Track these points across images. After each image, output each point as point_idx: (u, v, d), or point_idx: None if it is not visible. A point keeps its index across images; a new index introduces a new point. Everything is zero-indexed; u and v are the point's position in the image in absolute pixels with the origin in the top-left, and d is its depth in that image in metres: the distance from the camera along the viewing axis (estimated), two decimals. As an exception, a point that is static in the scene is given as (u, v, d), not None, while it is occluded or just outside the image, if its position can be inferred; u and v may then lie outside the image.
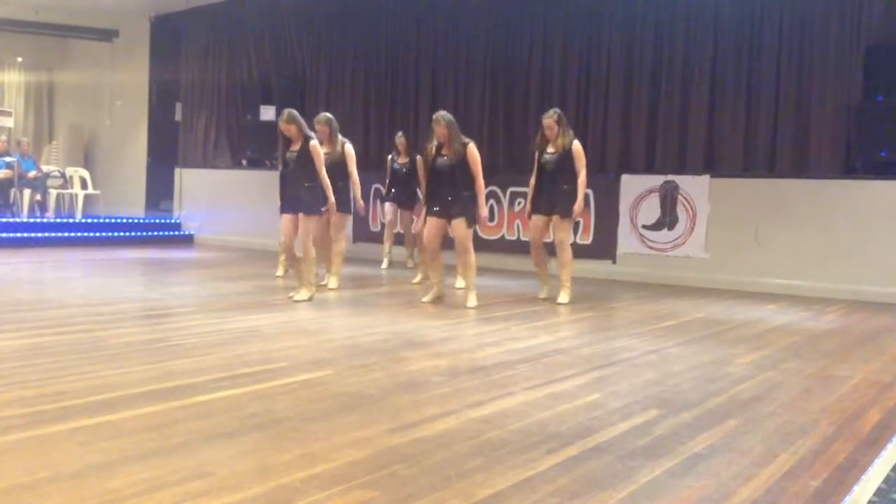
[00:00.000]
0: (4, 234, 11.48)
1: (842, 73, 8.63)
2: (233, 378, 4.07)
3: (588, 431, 3.33)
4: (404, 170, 9.93)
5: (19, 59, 16.90)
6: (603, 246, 9.96)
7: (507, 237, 10.63)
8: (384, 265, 10.17)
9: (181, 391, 3.77)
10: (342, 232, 7.97)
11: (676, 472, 2.88)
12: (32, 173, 13.18)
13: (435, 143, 6.99)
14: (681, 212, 9.49)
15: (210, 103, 14.21)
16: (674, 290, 8.76)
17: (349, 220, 8.36)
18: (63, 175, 14.19)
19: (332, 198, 7.02)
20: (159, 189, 15.02)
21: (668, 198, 9.56)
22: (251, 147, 13.32)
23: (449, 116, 6.93)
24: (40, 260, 10.02)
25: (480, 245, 10.67)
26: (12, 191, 12.95)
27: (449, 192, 6.87)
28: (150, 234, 13.53)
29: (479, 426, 3.35)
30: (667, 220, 9.57)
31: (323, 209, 7.02)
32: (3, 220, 12.05)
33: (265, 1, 13.39)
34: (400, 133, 10.25)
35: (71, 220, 13.07)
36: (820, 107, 8.78)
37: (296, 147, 6.95)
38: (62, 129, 16.92)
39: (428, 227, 7.02)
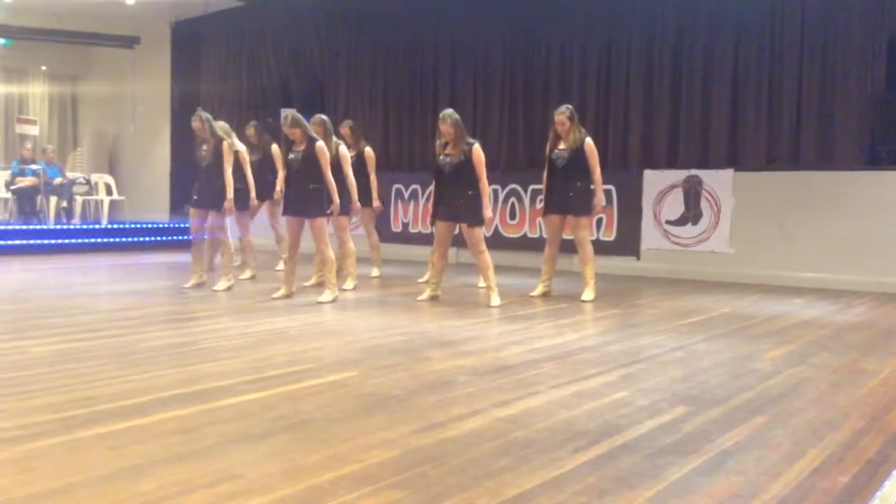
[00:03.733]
0: (32, 241, 11.63)
1: (865, 63, 8.53)
2: (260, 380, 4.09)
3: (615, 429, 3.32)
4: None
5: (43, 68, 17.12)
6: (626, 242, 9.92)
7: (529, 235, 10.61)
8: None
9: (209, 394, 3.80)
10: (346, 233, 7.98)
11: (705, 470, 2.87)
12: (58, 180, 13.34)
13: (440, 142, 6.97)
14: (705, 206, 9.42)
15: (231, 107, 14.31)
16: (699, 286, 8.70)
17: (349, 221, 8.27)
18: (88, 181, 14.36)
19: (337, 199, 7.06)
20: (183, 193, 15.14)
21: (692, 192, 9.50)
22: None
23: (455, 115, 6.89)
24: (67, 266, 10.14)
25: (502, 243, 10.70)
26: (39, 198, 13.12)
27: (454, 192, 6.83)
28: (174, 238, 13.63)
29: (505, 425, 3.35)
30: (691, 214, 9.51)
31: (328, 211, 7.07)
32: (31, 226, 12.21)
33: (284, 5, 13.45)
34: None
35: (97, 226, 13.22)
36: (843, 98, 8.69)
37: (299, 148, 6.98)
38: (86, 136, 17.12)
39: (437, 230, 7.05)
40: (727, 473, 2.83)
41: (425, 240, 10.95)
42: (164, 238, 13.54)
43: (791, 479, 2.78)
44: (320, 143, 6.98)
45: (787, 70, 9.03)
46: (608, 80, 10.34)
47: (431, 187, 7.40)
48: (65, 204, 13.33)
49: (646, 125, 10.06)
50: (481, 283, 7.75)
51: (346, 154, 7.85)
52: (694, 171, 9.53)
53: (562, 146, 7.23)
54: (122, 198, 14.83)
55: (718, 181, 9.33)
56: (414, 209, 11.60)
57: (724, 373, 4.48)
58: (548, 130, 10.76)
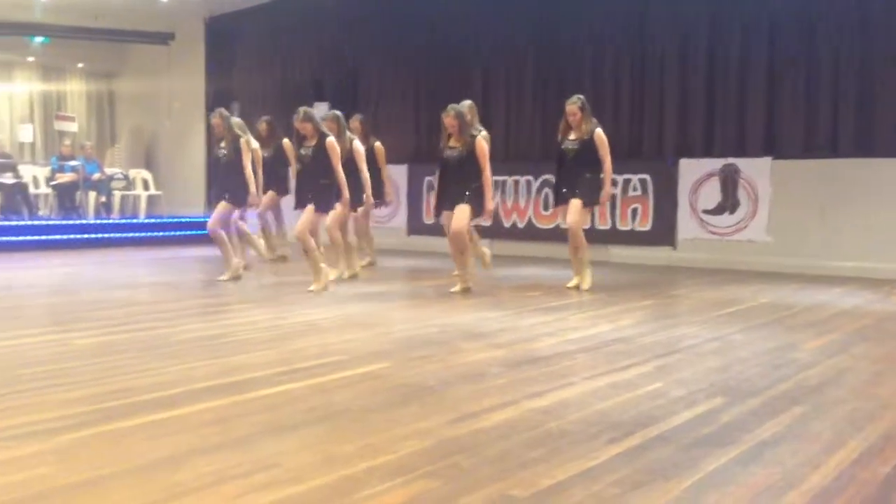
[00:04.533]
0: (72, 236, 11.83)
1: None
2: (293, 372, 4.12)
3: (651, 420, 3.29)
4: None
5: (80, 66, 17.39)
6: (662, 232, 9.83)
7: (563, 226, 10.50)
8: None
9: (243, 385, 3.83)
10: (343, 227, 8.07)
11: (742, 461, 2.83)
12: (96, 176, 13.54)
13: (444, 134, 6.98)
14: (742, 195, 9.30)
15: (265, 102, 14.42)
16: (736, 276, 8.59)
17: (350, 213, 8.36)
18: (126, 177, 14.56)
19: (346, 194, 7.12)
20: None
21: (729, 181, 9.38)
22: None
23: (458, 108, 6.91)
24: (106, 260, 10.30)
25: (537, 234, 10.66)
26: (78, 193, 13.34)
27: (458, 184, 6.84)
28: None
29: (539, 417, 3.34)
30: (728, 203, 9.39)
31: (337, 205, 7.16)
32: (71, 221, 12.42)
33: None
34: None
35: (134, 221, 13.41)
36: (882, 84, 8.51)
37: (311, 143, 7.06)
38: (124, 132, 17.36)
39: (446, 220, 7.04)
40: (765, 464, 2.79)
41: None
42: (200, 232, 13.66)
43: (830, 471, 2.74)
44: (330, 139, 7.02)
45: (824, 55, 8.87)
46: (642, 67, 10.23)
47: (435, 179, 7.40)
48: (103, 199, 13.53)
49: (681, 114, 9.95)
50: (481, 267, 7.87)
51: (360, 149, 7.90)
52: (731, 160, 9.41)
53: (572, 137, 7.19)
54: (160, 192, 15.02)
55: (756, 169, 9.21)
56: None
57: (762, 363, 4.42)
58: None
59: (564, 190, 7.26)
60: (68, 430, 3.09)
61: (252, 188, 7.76)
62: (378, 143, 8.93)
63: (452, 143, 6.91)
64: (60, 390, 3.72)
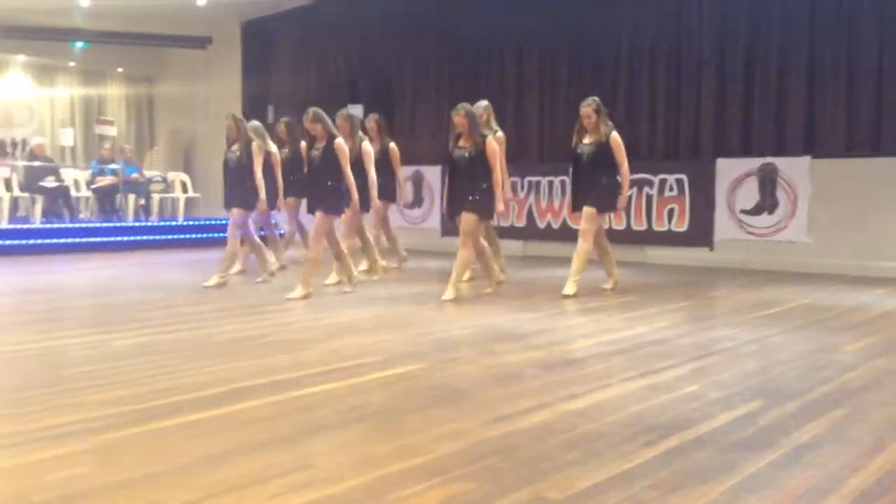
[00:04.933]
0: (112, 238, 12.03)
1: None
2: (330, 372, 4.16)
3: (688, 423, 3.26)
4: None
5: (120, 70, 17.67)
6: (699, 232, 9.73)
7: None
8: None
9: (282, 385, 3.87)
10: (355, 230, 7.97)
11: (781, 464, 2.80)
12: (135, 175, 13.74)
13: (453, 134, 6.81)
14: (781, 195, 9.18)
15: (300, 104, 14.51)
16: (775, 277, 8.48)
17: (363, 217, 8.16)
18: (164, 179, 14.76)
19: (356, 196, 6.97)
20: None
21: (767, 181, 9.26)
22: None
23: (468, 106, 6.75)
24: (146, 262, 10.45)
25: (570, 235, 10.57)
26: (118, 196, 13.55)
27: (469, 185, 6.67)
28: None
29: (574, 419, 3.33)
30: (766, 203, 9.27)
31: (346, 208, 7.03)
32: (111, 224, 12.63)
33: (352, 2, 13.58)
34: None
35: (173, 223, 13.59)
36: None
37: (320, 145, 6.93)
38: (162, 135, 17.61)
39: (462, 226, 6.81)
40: (804, 467, 2.76)
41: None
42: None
43: (871, 474, 2.70)
44: (339, 141, 6.90)
45: (864, 52, 8.72)
46: (679, 65, 10.14)
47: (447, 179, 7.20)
48: (143, 202, 13.72)
49: (718, 112, 9.84)
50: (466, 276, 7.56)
51: (369, 150, 7.78)
52: (769, 159, 9.29)
53: (587, 140, 7.01)
54: (198, 195, 15.20)
55: (795, 169, 9.08)
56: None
57: (802, 365, 4.36)
58: (618, 121, 10.66)
59: (581, 195, 7.06)
60: (109, 430, 3.15)
61: (262, 193, 7.72)
62: (393, 144, 8.80)
63: (462, 142, 6.73)
64: (101, 390, 3.79)
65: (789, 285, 7.81)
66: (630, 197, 8.98)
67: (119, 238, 12.14)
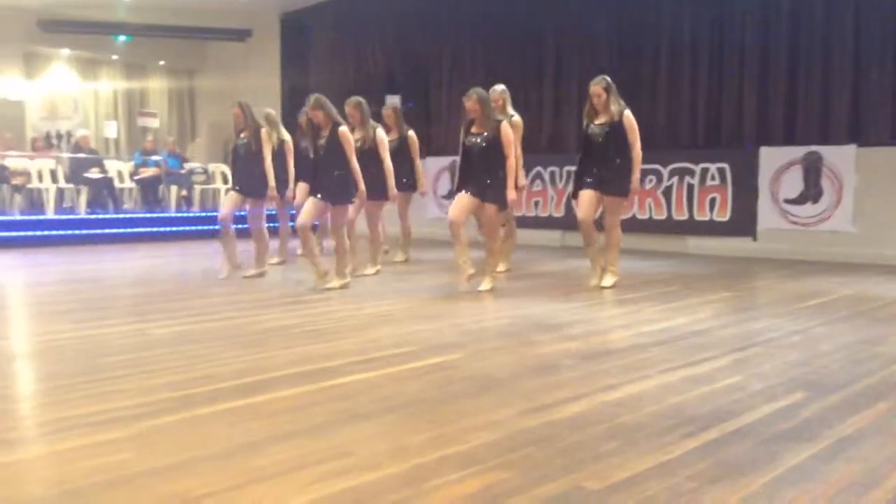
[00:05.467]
0: (155, 229, 12.21)
1: None
2: (367, 361, 4.17)
3: (728, 415, 3.21)
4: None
5: (162, 63, 17.90)
6: (742, 222, 9.58)
7: (639, 216, 10.38)
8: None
9: (319, 374, 3.89)
10: (376, 219, 7.87)
11: (823, 457, 2.74)
12: (179, 168, 13.92)
13: (466, 120, 6.56)
14: (825, 184, 8.99)
15: (338, 94, 14.55)
16: (819, 267, 8.32)
17: (384, 207, 8.01)
18: (206, 171, 14.92)
19: (362, 186, 6.70)
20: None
21: (812, 170, 9.08)
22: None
23: (481, 91, 6.47)
24: (187, 252, 10.59)
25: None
26: (160, 187, 13.74)
27: (483, 172, 6.39)
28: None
29: (612, 409, 3.30)
30: (811, 193, 9.10)
31: (353, 198, 6.78)
32: (153, 215, 12.82)
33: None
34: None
35: (214, 214, 13.72)
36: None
37: (325, 133, 6.67)
38: (203, 127, 17.82)
39: (456, 203, 6.52)
40: (847, 461, 2.70)
41: (528, 223, 10.90)
42: (277, 224, 13.92)
43: (920, 469, 2.63)
44: (343, 128, 6.63)
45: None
46: (721, 51, 9.98)
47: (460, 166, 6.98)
48: (185, 193, 13.90)
49: (761, 100, 9.67)
50: (501, 268, 7.46)
51: (383, 138, 7.58)
52: (814, 148, 9.10)
53: (599, 121, 6.66)
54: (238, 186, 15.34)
55: (840, 157, 8.89)
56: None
57: (846, 357, 4.27)
58: (658, 108, 10.56)
59: (592, 177, 6.67)
60: (149, 417, 3.19)
61: (271, 181, 7.51)
62: (412, 133, 8.62)
63: (475, 129, 6.46)
64: (141, 378, 3.84)
65: (833, 276, 7.65)
66: (644, 181, 8.82)
67: (161, 228, 12.32)
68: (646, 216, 10.31)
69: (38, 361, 4.36)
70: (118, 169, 13.91)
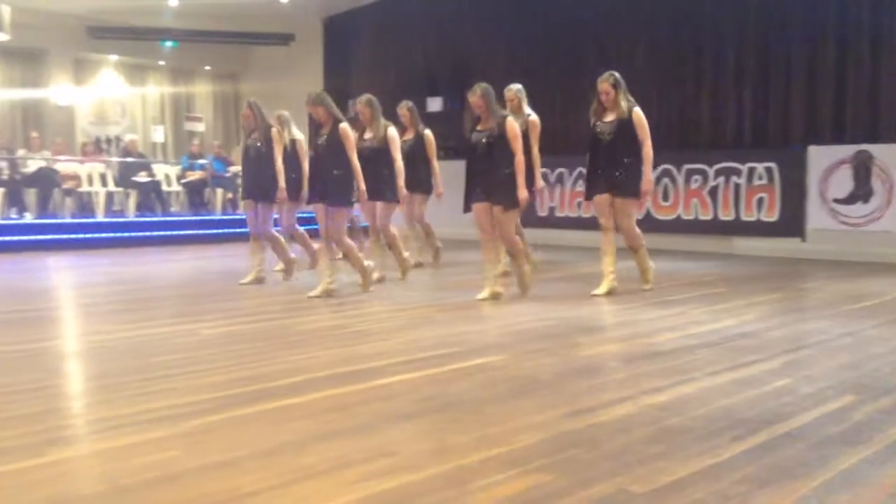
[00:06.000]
0: (201, 231, 12.39)
1: None
2: (410, 362, 4.18)
3: (777, 418, 3.15)
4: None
5: (207, 68, 18.17)
6: (790, 222, 9.40)
7: (684, 217, 10.25)
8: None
9: (362, 374, 3.91)
10: (389, 221, 7.58)
11: (875, 461, 2.67)
12: (225, 171, 14.10)
13: (472, 116, 6.22)
14: (876, 183, 8.78)
15: (380, 97, 14.61)
16: (871, 268, 8.13)
17: (395, 209, 7.68)
18: (250, 174, 15.06)
19: (362, 185, 6.45)
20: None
21: (862, 168, 8.87)
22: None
23: (486, 86, 6.12)
24: (233, 253, 10.71)
25: (655, 226, 10.40)
26: (206, 190, 13.94)
27: (488, 171, 6.08)
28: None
29: (658, 412, 3.26)
30: (861, 192, 8.89)
31: (353, 200, 6.53)
32: (200, 217, 13.01)
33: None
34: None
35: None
36: None
37: (325, 131, 6.41)
38: (248, 130, 18.02)
39: (476, 214, 6.22)
40: (903, 467, 2.63)
41: (572, 224, 10.84)
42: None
43: (978, 475, 2.55)
44: (344, 125, 6.37)
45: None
46: (766, 51, 9.81)
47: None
48: (230, 195, 14.07)
49: (809, 99, 9.49)
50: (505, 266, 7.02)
51: (395, 137, 7.33)
52: (864, 146, 8.90)
53: (607, 118, 6.35)
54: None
55: (891, 156, 8.67)
56: (560, 193, 11.47)
57: (900, 360, 4.16)
58: (701, 106, 10.42)
59: (602, 179, 6.39)
60: (196, 416, 3.23)
61: (282, 182, 7.19)
62: (428, 132, 8.24)
63: (480, 126, 6.15)
64: (189, 378, 3.90)
65: (885, 277, 7.47)
66: (657, 182, 8.57)
67: (207, 231, 12.49)
68: (691, 216, 10.18)
69: (88, 361, 4.45)
70: (165, 172, 14.14)
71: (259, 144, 7.30)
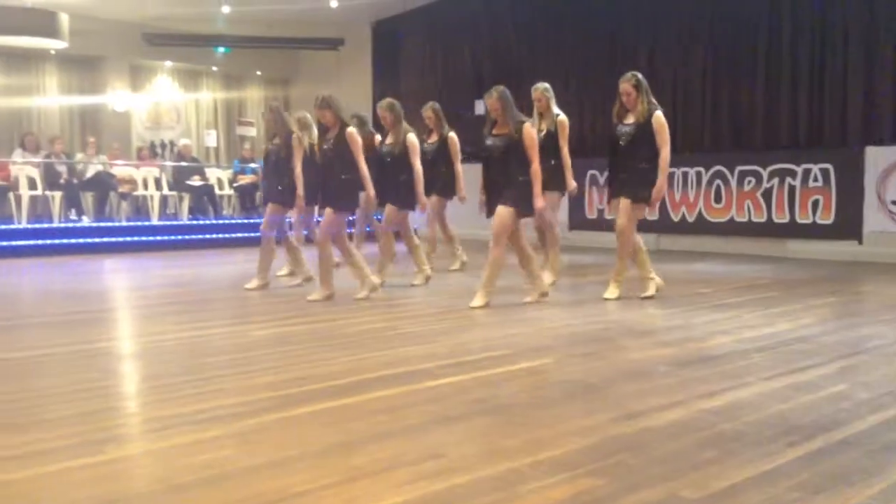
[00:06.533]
0: (252, 234, 12.55)
1: None
2: (458, 364, 4.18)
3: (833, 424, 3.08)
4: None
5: (258, 73, 18.44)
6: (846, 225, 9.19)
7: (737, 219, 10.09)
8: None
9: (411, 376, 3.93)
10: (409, 227, 7.49)
11: (940, 471, 2.60)
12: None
13: (488, 120, 6.03)
14: (936, 184, 8.54)
15: (428, 100, 14.65)
16: (931, 272, 7.91)
17: (409, 217, 7.53)
18: (300, 178, 15.24)
19: (371, 191, 6.36)
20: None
21: (922, 169, 8.64)
22: (468, 143, 13.59)
23: (502, 89, 5.92)
24: (283, 256, 10.83)
25: (706, 228, 10.26)
26: (258, 194, 14.13)
27: (504, 177, 5.88)
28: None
29: (710, 417, 3.21)
30: (920, 194, 8.65)
31: (357, 205, 6.49)
32: (251, 220, 13.18)
33: (479, -4, 13.63)
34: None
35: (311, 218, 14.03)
36: None
37: (332, 135, 6.29)
38: (298, 135, 18.24)
39: (495, 221, 5.98)
40: (967, 476, 2.55)
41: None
42: (369, 229, 14.10)
43: None
44: (351, 129, 6.26)
45: None
46: (822, 49, 9.60)
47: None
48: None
49: (866, 98, 9.26)
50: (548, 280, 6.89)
51: (415, 143, 7.16)
52: (923, 146, 8.66)
53: (627, 120, 6.14)
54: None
55: (954, 156, 8.43)
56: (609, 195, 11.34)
57: (963, 366, 4.04)
58: (757, 105, 10.23)
59: (618, 183, 6.21)
60: (249, 416, 3.28)
61: (300, 189, 7.09)
62: (452, 134, 8.05)
63: (497, 130, 5.94)
64: (242, 378, 3.96)
65: (948, 281, 7.26)
66: (672, 183, 8.28)
67: (259, 234, 12.61)
68: (745, 218, 10.01)
69: (143, 361, 4.55)
70: (218, 176, 14.38)
71: (279, 149, 7.28)
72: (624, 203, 6.16)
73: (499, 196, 5.93)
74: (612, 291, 6.36)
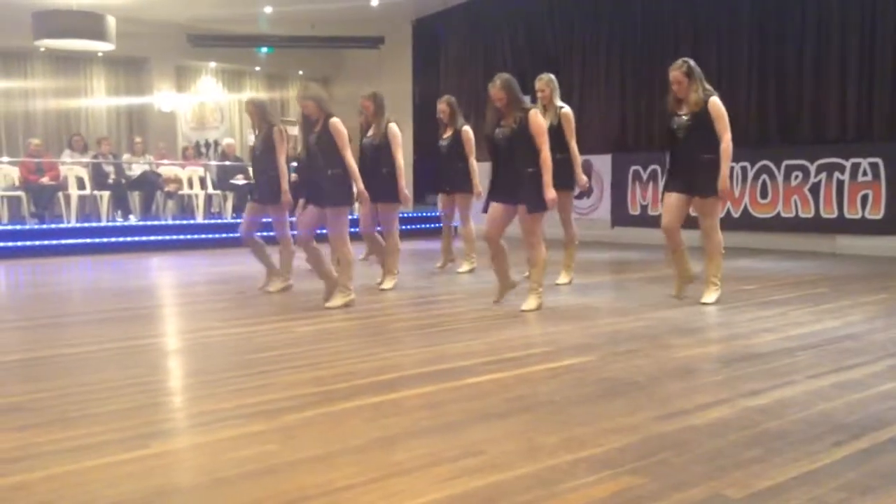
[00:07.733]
0: (294, 232, 12.66)
1: None
2: (499, 361, 4.18)
3: (881, 423, 3.02)
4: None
5: (300, 73, 18.59)
6: (896, 220, 8.99)
7: (783, 215, 9.92)
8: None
9: (452, 373, 3.94)
10: (394, 224, 7.12)
11: None
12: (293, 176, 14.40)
13: (494, 109, 5.70)
14: None
15: (469, 98, 14.71)
16: None
17: (398, 209, 7.21)
18: (342, 176, 15.34)
19: (360, 185, 5.99)
20: (425, 184, 15.76)
21: (976, 163, 8.40)
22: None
23: (507, 77, 5.59)
24: (325, 254, 10.92)
25: (754, 224, 10.10)
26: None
27: (512, 169, 5.57)
28: (418, 227, 14.24)
29: (755, 416, 3.17)
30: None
31: (352, 200, 6.08)
32: (293, 218, 13.29)
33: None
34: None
35: (353, 217, 14.10)
36: None
37: (317, 128, 5.94)
38: (340, 133, 18.38)
39: (490, 214, 5.76)
40: None
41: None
42: (409, 227, 14.16)
43: None
44: (335, 120, 5.89)
45: None
46: (872, 39, 9.37)
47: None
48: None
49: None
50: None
51: (396, 134, 6.90)
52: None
53: (682, 111, 5.80)
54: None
55: None
56: (653, 191, 11.26)
57: None
58: (804, 98, 10.04)
59: (678, 177, 5.88)
60: (293, 411, 3.32)
61: (284, 185, 6.80)
62: (466, 128, 7.80)
63: (503, 120, 5.62)
64: (285, 373, 4.00)
65: None
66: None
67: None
68: (791, 214, 9.84)
69: (189, 357, 4.62)
70: (261, 175, 14.49)
71: (259, 144, 7.02)
72: (701, 203, 5.84)
73: (506, 190, 5.65)
74: (709, 295, 5.97)
